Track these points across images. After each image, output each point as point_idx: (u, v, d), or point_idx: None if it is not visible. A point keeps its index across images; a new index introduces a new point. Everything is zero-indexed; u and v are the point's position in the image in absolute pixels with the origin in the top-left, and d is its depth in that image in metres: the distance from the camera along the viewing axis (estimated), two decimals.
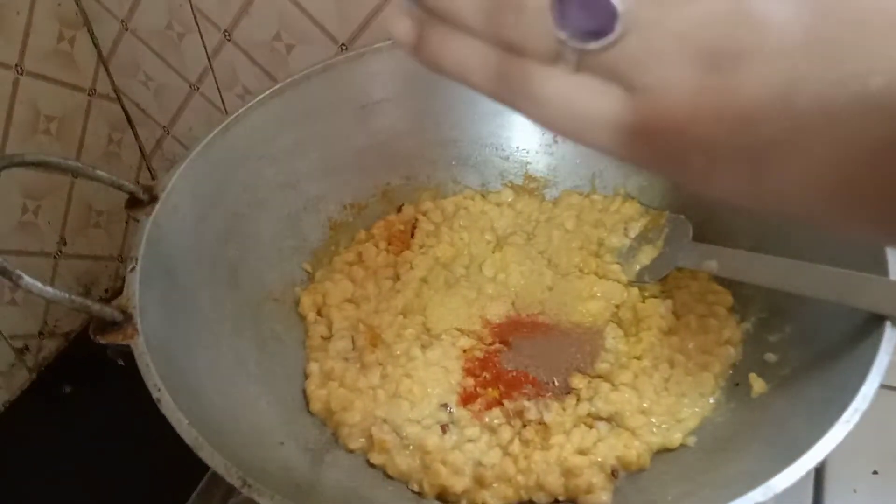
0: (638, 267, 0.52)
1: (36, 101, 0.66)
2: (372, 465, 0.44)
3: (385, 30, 0.58)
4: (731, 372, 0.45)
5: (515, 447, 0.43)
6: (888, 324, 0.35)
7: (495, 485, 0.42)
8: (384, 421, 0.44)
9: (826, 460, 0.31)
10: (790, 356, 0.42)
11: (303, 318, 0.52)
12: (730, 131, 0.18)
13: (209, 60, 0.69)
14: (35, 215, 0.69)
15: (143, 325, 0.37)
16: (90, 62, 0.73)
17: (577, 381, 0.46)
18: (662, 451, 0.43)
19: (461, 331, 0.50)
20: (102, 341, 0.37)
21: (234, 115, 0.48)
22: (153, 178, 0.82)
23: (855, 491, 0.47)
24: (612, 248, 0.53)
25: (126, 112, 0.78)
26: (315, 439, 0.45)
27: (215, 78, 0.70)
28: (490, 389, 0.47)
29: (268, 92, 0.50)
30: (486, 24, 0.20)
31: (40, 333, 0.73)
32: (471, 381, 0.47)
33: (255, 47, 0.66)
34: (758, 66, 0.17)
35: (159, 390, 0.34)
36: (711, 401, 0.44)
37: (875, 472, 0.48)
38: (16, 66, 0.64)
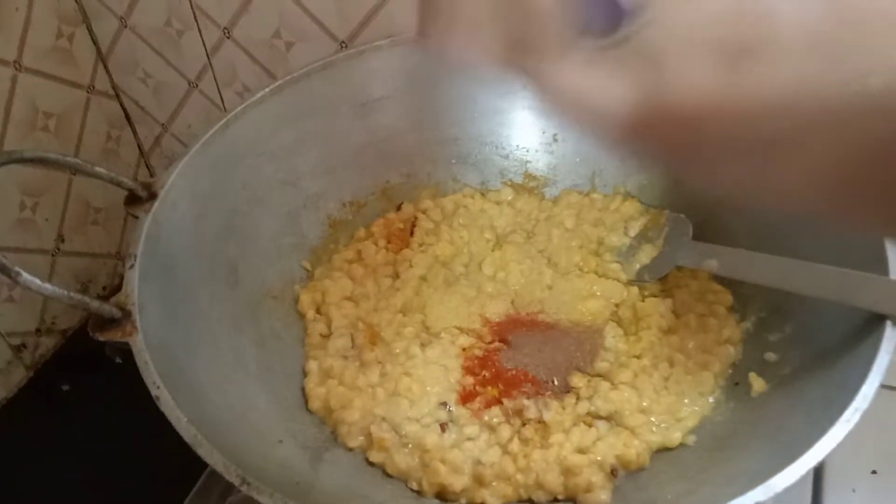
0: (638, 266, 0.52)
1: (34, 97, 0.66)
2: (371, 464, 0.44)
3: (385, 27, 0.58)
4: (730, 371, 0.45)
5: (515, 446, 0.43)
6: (888, 323, 0.35)
7: (494, 483, 0.42)
8: (383, 419, 0.44)
9: (825, 460, 0.31)
10: (790, 355, 0.42)
11: (302, 315, 0.51)
12: (737, 126, 0.18)
13: (208, 58, 0.69)
14: (33, 212, 0.69)
15: (142, 323, 0.37)
16: (89, 59, 0.72)
17: (577, 380, 0.46)
18: (662, 450, 0.43)
19: (461, 329, 0.50)
20: (101, 338, 0.37)
21: (234, 113, 0.48)
22: (151, 176, 0.82)
23: (854, 490, 0.47)
24: (612, 247, 0.53)
25: (125, 109, 0.78)
26: (314, 437, 0.44)
27: (214, 75, 0.70)
28: (489, 388, 0.47)
29: (267, 89, 0.50)
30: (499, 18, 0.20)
31: (38, 331, 0.72)
32: (470, 380, 0.47)
33: (255, 45, 0.66)
34: (767, 63, 0.17)
35: (158, 388, 0.34)
36: (711, 400, 0.44)
37: (874, 472, 0.48)
38: (14, 62, 0.63)
